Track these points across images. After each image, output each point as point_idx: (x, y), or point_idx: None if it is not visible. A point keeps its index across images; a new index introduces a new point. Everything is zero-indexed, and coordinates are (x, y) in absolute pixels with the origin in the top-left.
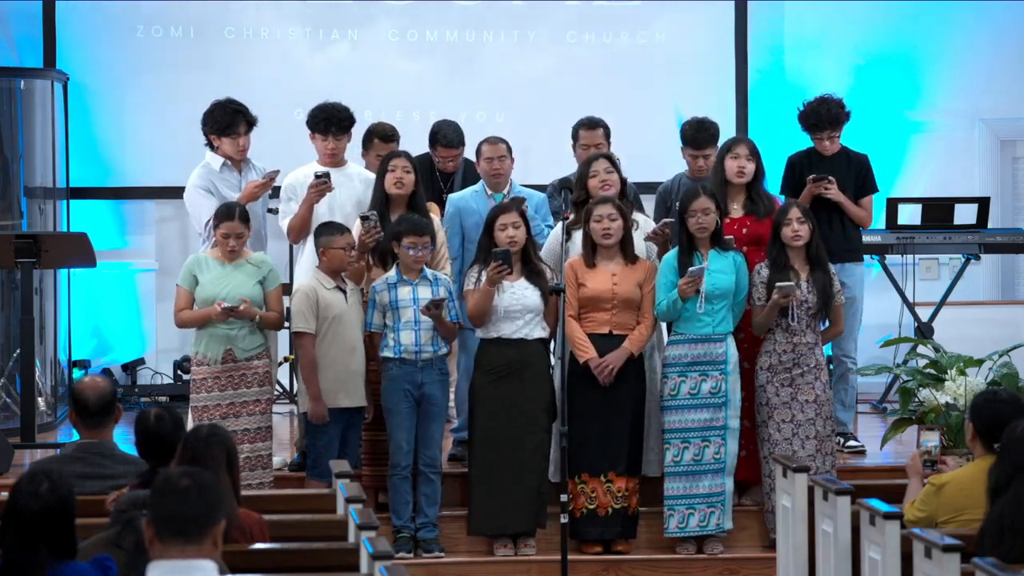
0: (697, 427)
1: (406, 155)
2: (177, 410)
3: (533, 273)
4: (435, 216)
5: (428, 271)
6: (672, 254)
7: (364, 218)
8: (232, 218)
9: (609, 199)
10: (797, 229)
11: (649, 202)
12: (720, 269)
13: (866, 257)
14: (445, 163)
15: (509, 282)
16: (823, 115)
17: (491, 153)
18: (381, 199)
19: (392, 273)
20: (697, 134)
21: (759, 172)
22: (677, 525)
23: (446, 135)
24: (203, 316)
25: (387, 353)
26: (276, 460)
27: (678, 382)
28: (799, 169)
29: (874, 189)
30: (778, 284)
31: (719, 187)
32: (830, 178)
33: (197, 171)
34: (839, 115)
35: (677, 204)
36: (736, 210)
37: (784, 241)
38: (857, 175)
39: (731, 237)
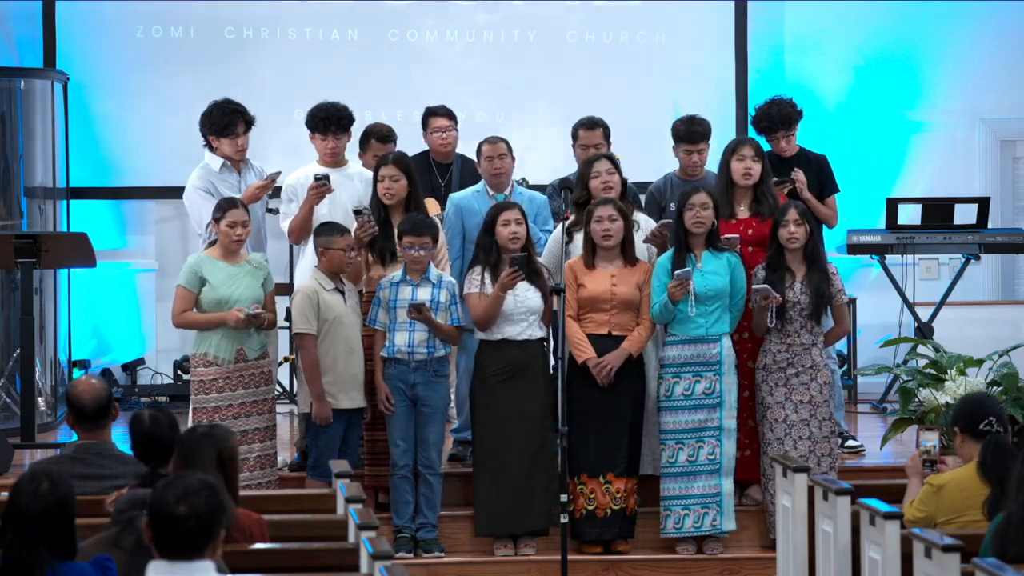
0: (691, 428)
1: (395, 160)
2: (171, 411)
3: (533, 273)
4: (434, 212)
5: (433, 273)
6: (666, 256)
7: (357, 212)
8: (236, 206)
9: (610, 200)
10: (794, 231)
11: None
12: (714, 270)
13: (866, 257)
14: (444, 140)
15: None
16: (775, 116)
17: (491, 152)
18: (378, 202)
19: (399, 272)
20: (691, 128)
21: (764, 172)
22: (673, 525)
23: (434, 109)
24: (216, 320)
25: (383, 353)
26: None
27: (672, 383)
28: None
29: (835, 189)
30: (754, 287)
31: (725, 189)
32: (788, 181)
33: (196, 172)
34: (791, 114)
35: (673, 204)
36: (742, 211)
37: (781, 242)
38: (818, 176)
39: (736, 236)
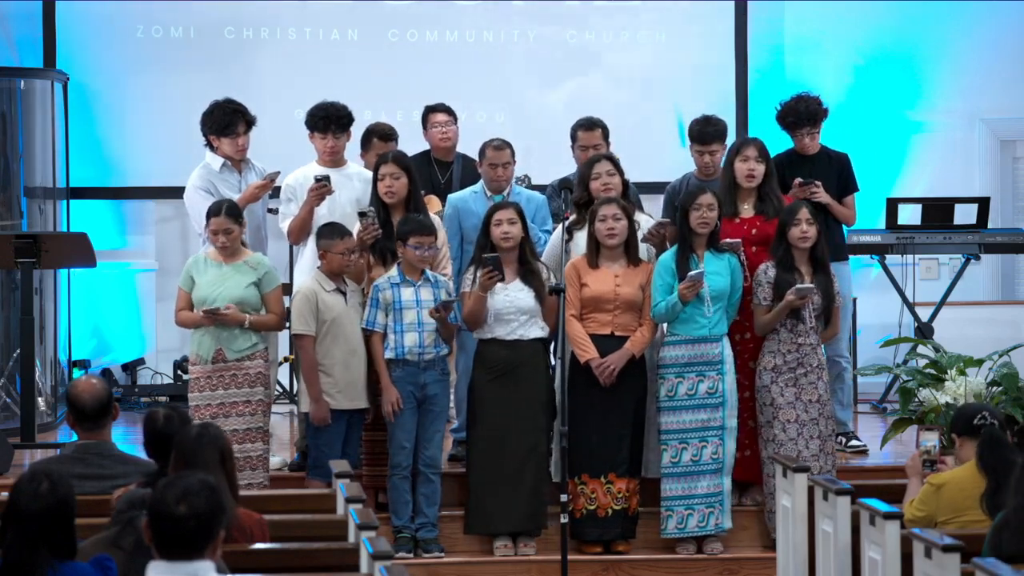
0: (695, 428)
1: (396, 158)
2: (184, 410)
3: (528, 273)
4: (434, 213)
5: (428, 272)
6: (668, 256)
7: (362, 214)
8: (219, 214)
9: (614, 199)
10: (806, 230)
11: (648, 202)
12: (716, 271)
13: (866, 257)
14: (444, 135)
15: (503, 284)
16: (801, 112)
17: (495, 159)
18: (379, 201)
19: (394, 273)
20: (703, 129)
21: (768, 172)
22: (676, 526)
23: (433, 107)
24: (192, 320)
25: (388, 355)
26: (276, 460)
27: (675, 383)
28: (781, 170)
29: (856, 188)
30: (798, 286)
31: (729, 189)
32: (816, 183)
33: (197, 172)
34: (817, 111)
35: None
36: (747, 210)
37: (791, 242)
38: (839, 174)
39: (738, 240)
